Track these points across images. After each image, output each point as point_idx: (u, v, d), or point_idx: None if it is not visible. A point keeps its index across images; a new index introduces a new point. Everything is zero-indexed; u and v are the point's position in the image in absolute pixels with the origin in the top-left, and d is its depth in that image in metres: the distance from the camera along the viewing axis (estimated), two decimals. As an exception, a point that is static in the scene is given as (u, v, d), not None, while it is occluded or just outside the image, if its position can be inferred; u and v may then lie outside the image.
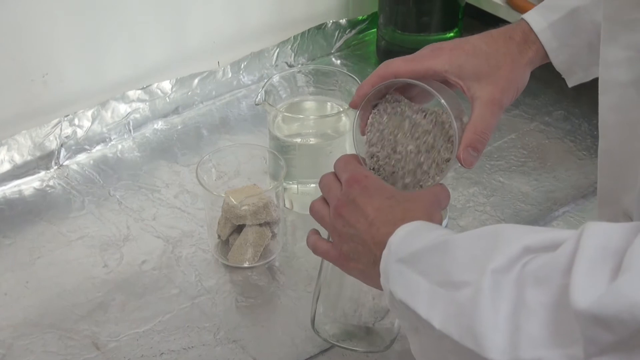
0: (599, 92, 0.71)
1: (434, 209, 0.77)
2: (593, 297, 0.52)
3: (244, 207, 0.98)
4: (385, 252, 0.70)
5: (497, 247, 0.61)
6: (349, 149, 1.08)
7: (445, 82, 0.83)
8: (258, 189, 1.02)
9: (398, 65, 0.81)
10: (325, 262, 0.87)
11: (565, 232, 0.59)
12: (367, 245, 0.74)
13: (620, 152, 0.70)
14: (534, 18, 0.84)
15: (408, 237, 0.69)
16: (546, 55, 0.85)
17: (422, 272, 0.66)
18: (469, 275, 0.61)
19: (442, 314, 0.62)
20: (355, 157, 0.83)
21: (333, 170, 0.82)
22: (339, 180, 0.80)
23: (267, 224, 1.01)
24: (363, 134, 0.85)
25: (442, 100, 0.79)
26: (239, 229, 1.01)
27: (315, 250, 0.82)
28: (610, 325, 0.52)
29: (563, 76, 0.88)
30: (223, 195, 0.99)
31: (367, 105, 0.83)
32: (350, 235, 0.76)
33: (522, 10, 1.25)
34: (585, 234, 0.56)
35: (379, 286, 0.72)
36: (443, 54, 0.82)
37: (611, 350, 0.52)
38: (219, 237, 1.02)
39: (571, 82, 0.89)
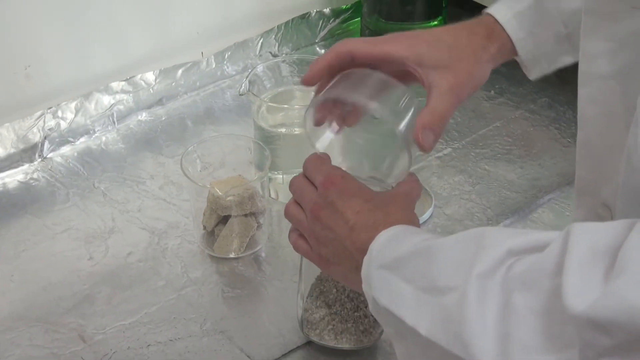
0: (579, 84, 0.71)
1: (412, 207, 0.77)
2: (589, 301, 0.51)
3: (229, 198, 0.98)
4: (366, 258, 0.69)
5: (480, 250, 0.60)
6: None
7: (403, 73, 0.80)
8: (243, 179, 1.01)
9: (355, 45, 0.79)
10: (304, 260, 0.86)
11: (549, 234, 0.58)
12: (348, 251, 0.73)
13: (600, 143, 0.70)
14: (499, 10, 0.83)
15: (390, 243, 0.69)
16: (511, 49, 0.83)
17: (406, 279, 0.65)
18: (454, 280, 0.60)
19: (429, 321, 0.61)
20: (326, 157, 0.81)
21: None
22: (311, 182, 0.78)
23: (253, 214, 1.00)
24: (318, 124, 0.81)
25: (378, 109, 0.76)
26: (224, 219, 1.01)
27: (296, 249, 0.81)
28: (608, 330, 0.50)
29: (524, 69, 0.86)
30: (208, 186, 0.99)
31: (319, 96, 0.80)
32: (330, 239, 0.75)
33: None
34: (573, 234, 0.55)
35: (361, 291, 0.71)
36: (404, 41, 0.79)
37: (608, 354, 0.51)
38: (205, 228, 1.02)
39: (533, 74, 0.87)
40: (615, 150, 0.66)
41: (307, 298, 0.88)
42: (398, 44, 0.79)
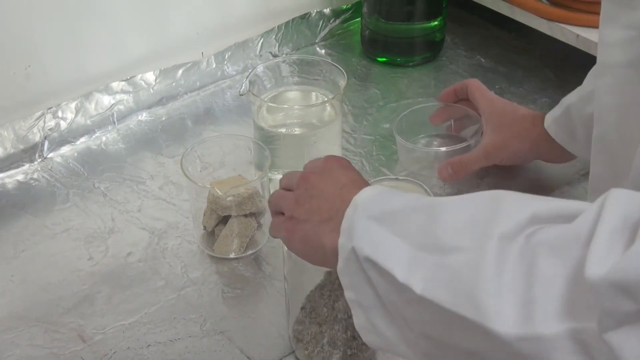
0: (596, 74, 0.70)
1: None
2: (608, 265, 0.50)
3: (229, 198, 0.98)
4: (349, 209, 0.66)
5: (499, 212, 0.58)
6: (333, 138, 1.08)
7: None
8: (243, 179, 1.01)
9: (472, 89, 1.11)
10: (289, 280, 0.86)
11: (576, 204, 0.57)
12: (330, 201, 0.70)
13: (616, 136, 0.69)
14: (548, 116, 1.04)
15: (378, 197, 0.66)
16: (553, 142, 1.04)
17: (400, 233, 0.62)
18: (465, 240, 0.58)
19: (427, 279, 0.59)
20: None
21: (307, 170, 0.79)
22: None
23: (253, 214, 1.00)
24: (437, 123, 1.15)
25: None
26: (224, 219, 1.01)
27: (272, 228, 0.78)
28: (631, 292, 0.49)
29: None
30: (208, 186, 0.99)
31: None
32: (310, 196, 0.72)
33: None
34: (609, 202, 0.53)
35: (317, 253, 0.69)
36: (491, 104, 1.09)
37: (630, 321, 0.50)
38: (205, 228, 1.02)
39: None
40: (630, 143, 0.65)
41: (296, 319, 0.88)
42: (487, 103, 1.09)
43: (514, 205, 0.58)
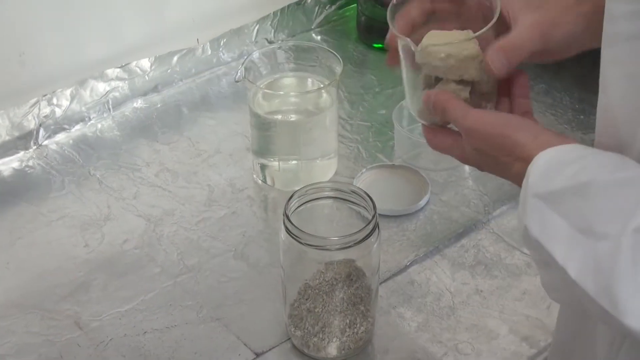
0: (602, 45, 0.70)
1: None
2: None
3: (442, 55, 0.77)
4: (524, 183, 0.67)
5: None
6: (329, 124, 1.07)
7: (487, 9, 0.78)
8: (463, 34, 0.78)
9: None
10: (284, 269, 0.86)
11: None
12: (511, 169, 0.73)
13: (621, 107, 0.69)
14: None
15: (549, 171, 0.66)
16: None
17: (562, 214, 0.63)
18: (611, 227, 0.58)
19: (580, 264, 0.60)
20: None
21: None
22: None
23: (464, 82, 0.79)
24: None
25: None
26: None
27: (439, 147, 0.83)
28: None
29: None
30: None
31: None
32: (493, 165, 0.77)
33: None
34: None
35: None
36: None
37: None
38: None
39: None
40: (635, 115, 0.66)
41: (293, 307, 0.88)
42: None
43: None
